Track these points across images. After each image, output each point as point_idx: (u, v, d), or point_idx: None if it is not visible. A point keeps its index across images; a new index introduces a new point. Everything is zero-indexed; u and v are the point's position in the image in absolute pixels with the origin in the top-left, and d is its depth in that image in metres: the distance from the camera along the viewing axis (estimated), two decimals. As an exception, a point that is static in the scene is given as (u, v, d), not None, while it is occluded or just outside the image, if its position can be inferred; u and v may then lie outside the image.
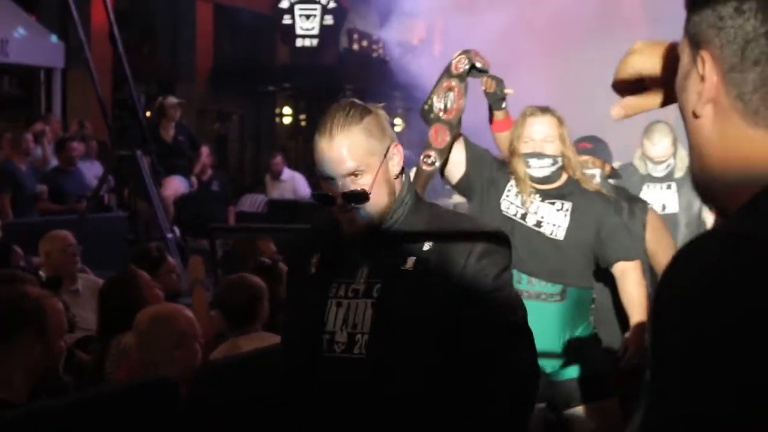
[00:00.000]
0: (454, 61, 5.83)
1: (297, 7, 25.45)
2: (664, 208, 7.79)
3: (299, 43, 25.71)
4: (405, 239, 3.45)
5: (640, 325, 5.73)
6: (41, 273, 7.89)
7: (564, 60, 12.75)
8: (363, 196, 3.35)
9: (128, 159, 11.77)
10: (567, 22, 13.67)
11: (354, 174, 3.34)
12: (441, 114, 5.78)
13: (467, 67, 5.77)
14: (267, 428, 4.97)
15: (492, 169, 5.88)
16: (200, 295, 6.84)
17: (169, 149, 13.75)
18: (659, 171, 7.79)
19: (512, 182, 5.84)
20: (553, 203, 5.79)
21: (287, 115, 30.58)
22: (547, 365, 5.65)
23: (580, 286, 5.79)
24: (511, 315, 3.46)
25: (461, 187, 5.98)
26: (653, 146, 7.55)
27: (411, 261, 3.39)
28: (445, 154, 5.79)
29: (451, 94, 5.77)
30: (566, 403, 5.77)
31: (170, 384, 4.66)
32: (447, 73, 5.81)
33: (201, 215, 13.71)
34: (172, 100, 14.27)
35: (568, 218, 5.75)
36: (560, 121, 5.83)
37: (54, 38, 18.27)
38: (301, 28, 25.53)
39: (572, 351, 5.74)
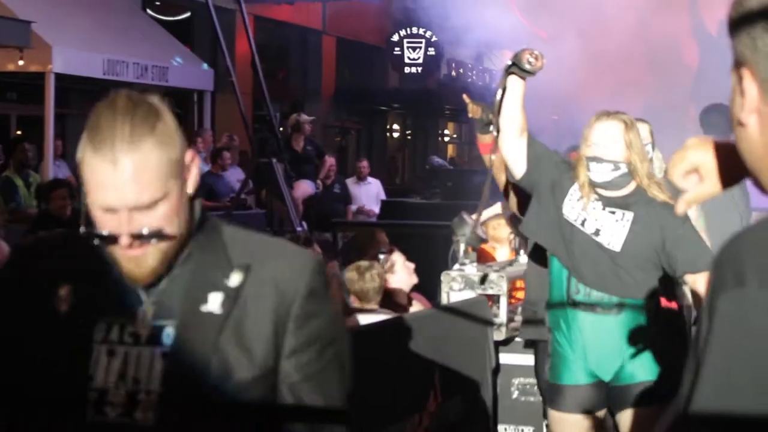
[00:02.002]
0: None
1: (405, 40, 25.49)
2: None
3: (407, 70, 25.74)
4: (203, 267, 2.19)
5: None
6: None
7: (638, 88, 12.48)
8: (158, 236, 2.09)
9: (266, 166, 11.80)
10: (637, 54, 13.43)
11: (147, 207, 2.06)
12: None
13: (508, 64, 4.79)
14: (382, 389, 4.87)
15: (558, 171, 4.97)
16: (335, 286, 6.89)
17: (299, 158, 13.80)
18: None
19: (576, 186, 4.91)
20: (613, 212, 4.85)
21: (396, 131, 30.54)
22: (606, 375, 4.88)
23: (638, 299, 4.82)
24: (328, 391, 2.23)
25: (524, 183, 5.06)
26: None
27: (216, 300, 2.14)
28: (497, 151, 4.99)
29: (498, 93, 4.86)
30: (620, 406, 4.92)
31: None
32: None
33: (325, 212, 13.70)
34: (306, 117, 14.33)
35: (626, 229, 4.81)
36: (628, 126, 4.83)
37: (205, 66, 18.39)
38: (408, 58, 25.55)
39: (631, 362, 4.84)
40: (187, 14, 20.73)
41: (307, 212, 13.36)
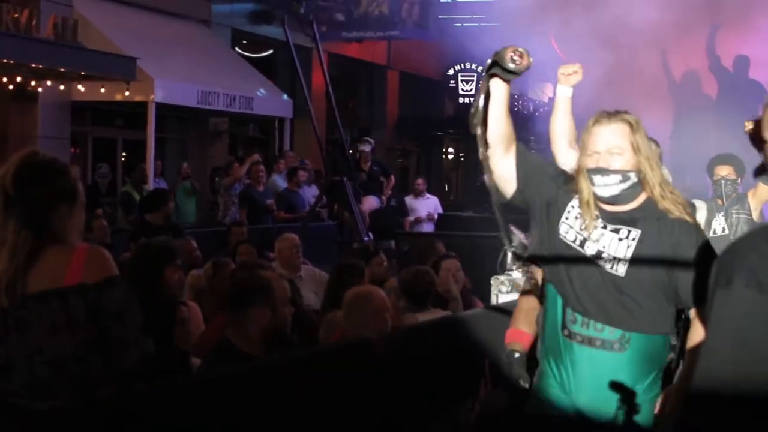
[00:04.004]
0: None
1: (460, 74, 25.54)
2: None
3: (461, 100, 25.72)
4: None
5: (684, 385, 3.41)
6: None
7: (664, 113, 12.35)
8: None
9: (337, 183, 11.88)
10: (662, 83, 13.29)
11: None
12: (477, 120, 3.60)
13: (488, 63, 3.53)
14: (438, 376, 4.88)
15: (553, 186, 3.73)
16: (393, 297, 6.93)
17: (366, 176, 13.84)
18: None
19: (574, 201, 3.67)
20: (617, 230, 3.59)
21: (451, 153, 30.50)
22: (596, 418, 3.60)
23: (647, 333, 3.55)
24: None
25: (517, 203, 3.80)
26: None
27: None
28: (487, 166, 3.65)
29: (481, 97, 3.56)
30: None
31: (368, 344, 4.59)
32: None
33: (385, 224, 13.73)
34: (365, 149, 14.38)
35: (631, 250, 3.55)
36: (634, 128, 3.59)
37: (285, 96, 18.51)
38: (462, 90, 25.58)
39: (632, 412, 3.56)
40: (270, 51, 20.91)
41: (373, 224, 13.40)
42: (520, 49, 3.44)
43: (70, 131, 15.57)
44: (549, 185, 3.73)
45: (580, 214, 3.65)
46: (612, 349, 3.54)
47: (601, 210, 3.64)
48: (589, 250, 3.60)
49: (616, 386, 3.55)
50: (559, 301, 3.66)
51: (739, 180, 7.01)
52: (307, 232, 10.91)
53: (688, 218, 3.62)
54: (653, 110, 11.94)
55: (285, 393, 4.02)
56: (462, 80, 25.58)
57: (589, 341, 3.57)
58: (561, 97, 4.76)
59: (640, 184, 3.61)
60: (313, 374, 4.27)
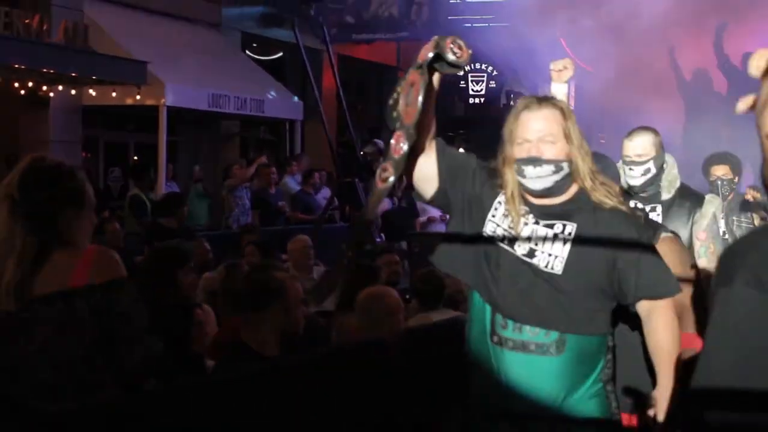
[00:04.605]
0: (422, 50, 3.18)
1: (469, 75, 25.50)
2: None
3: (471, 101, 25.73)
4: None
5: (670, 385, 3.26)
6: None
7: (674, 112, 12.28)
8: None
9: (349, 184, 11.87)
10: (671, 81, 13.23)
11: None
12: (403, 115, 3.16)
13: (430, 56, 3.14)
14: (446, 376, 4.85)
15: (476, 182, 3.42)
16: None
17: (378, 177, 13.80)
18: (636, 177, 5.00)
19: (501, 198, 3.36)
20: (551, 225, 3.28)
21: (462, 154, 30.53)
22: (533, 428, 3.29)
23: (584, 333, 3.26)
24: None
25: (438, 203, 3.53)
26: (631, 142, 5.02)
27: None
28: (401, 166, 3.17)
29: (412, 91, 3.15)
30: None
31: (382, 343, 4.57)
32: (414, 63, 3.21)
33: (396, 225, 13.69)
34: (372, 149, 14.38)
35: (568, 245, 3.25)
36: (566, 114, 3.31)
37: (296, 98, 18.50)
38: (472, 90, 25.56)
39: (573, 420, 3.27)
40: (280, 54, 20.91)
41: (385, 225, 13.36)
42: (459, 41, 3.12)
43: (81, 135, 15.59)
44: (472, 181, 3.43)
45: (508, 210, 3.33)
46: (548, 353, 3.24)
47: (532, 204, 3.34)
48: (520, 248, 3.29)
49: (554, 391, 3.26)
50: (488, 308, 3.34)
51: (736, 179, 6.74)
52: (319, 234, 10.89)
53: (623, 207, 3.38)
54: (663, 108, 11.90)
55: (299, 394, 3.99)
56: (472, 80, 25.57)
57: (523, 346, 3.26)
58: (556, 95, 4.72)
59: (572, 176, 3.32)
60: (327, 375, 4.24)
